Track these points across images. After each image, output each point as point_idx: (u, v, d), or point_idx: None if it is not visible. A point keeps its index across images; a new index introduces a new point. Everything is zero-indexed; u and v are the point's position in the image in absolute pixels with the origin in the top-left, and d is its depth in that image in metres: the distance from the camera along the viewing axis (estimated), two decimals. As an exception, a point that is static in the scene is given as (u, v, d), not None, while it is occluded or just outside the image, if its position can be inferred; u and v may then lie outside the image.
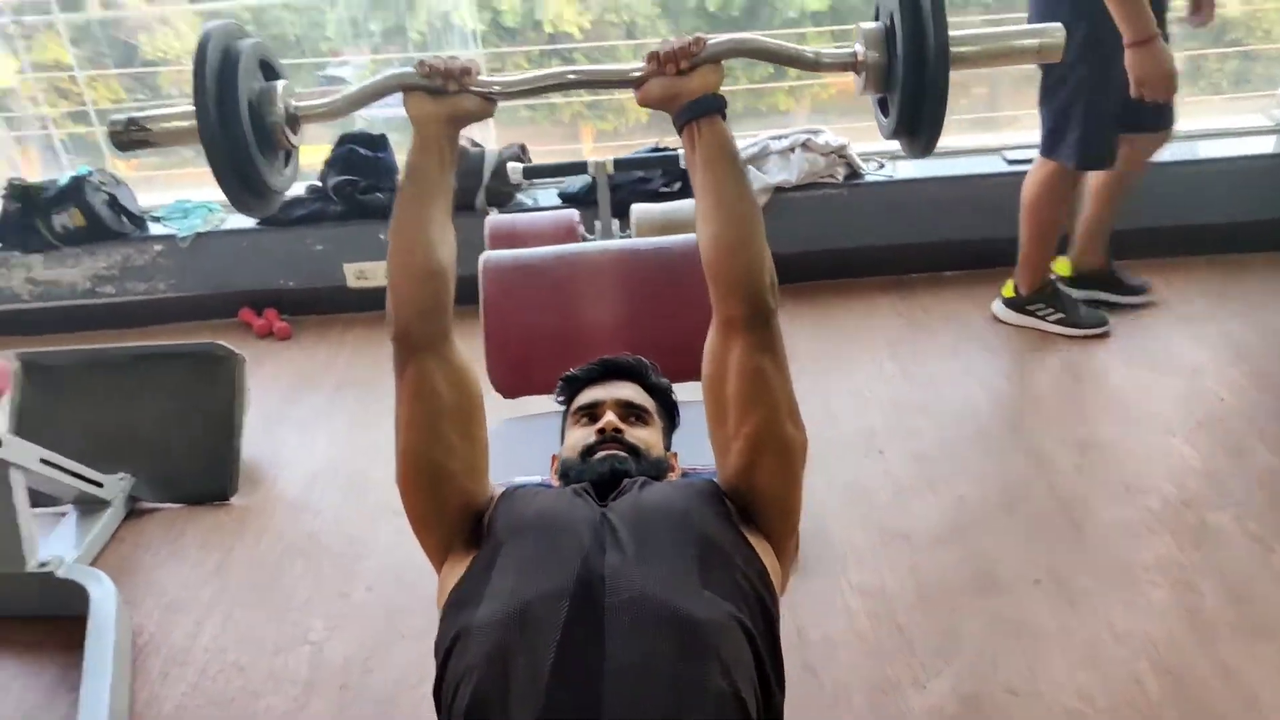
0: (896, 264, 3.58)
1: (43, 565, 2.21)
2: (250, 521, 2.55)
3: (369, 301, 3.47)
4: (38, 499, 2.51)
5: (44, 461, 2.27)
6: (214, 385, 2.68)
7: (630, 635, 1.00)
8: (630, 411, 1.46)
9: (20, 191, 3.37)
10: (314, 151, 3.51)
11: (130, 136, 1.32)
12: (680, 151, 2.39)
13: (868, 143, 3.62)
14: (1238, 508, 2.27)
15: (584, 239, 2.37)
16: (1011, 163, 3.52)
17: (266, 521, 2.54)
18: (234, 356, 2.68)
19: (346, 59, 3.95)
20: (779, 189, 3.43)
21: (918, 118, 1.24)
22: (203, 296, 3.52)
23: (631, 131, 4.15)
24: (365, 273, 3.49)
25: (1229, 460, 2.43)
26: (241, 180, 1.34)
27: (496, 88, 1.30)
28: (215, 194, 3.65)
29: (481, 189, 3.31)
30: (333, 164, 3.45)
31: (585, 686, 0.97)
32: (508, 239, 2.34)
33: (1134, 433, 2.59)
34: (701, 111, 1.27)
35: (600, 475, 1.33)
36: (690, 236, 1.99)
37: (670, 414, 1.59)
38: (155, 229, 3.52)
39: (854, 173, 3.52)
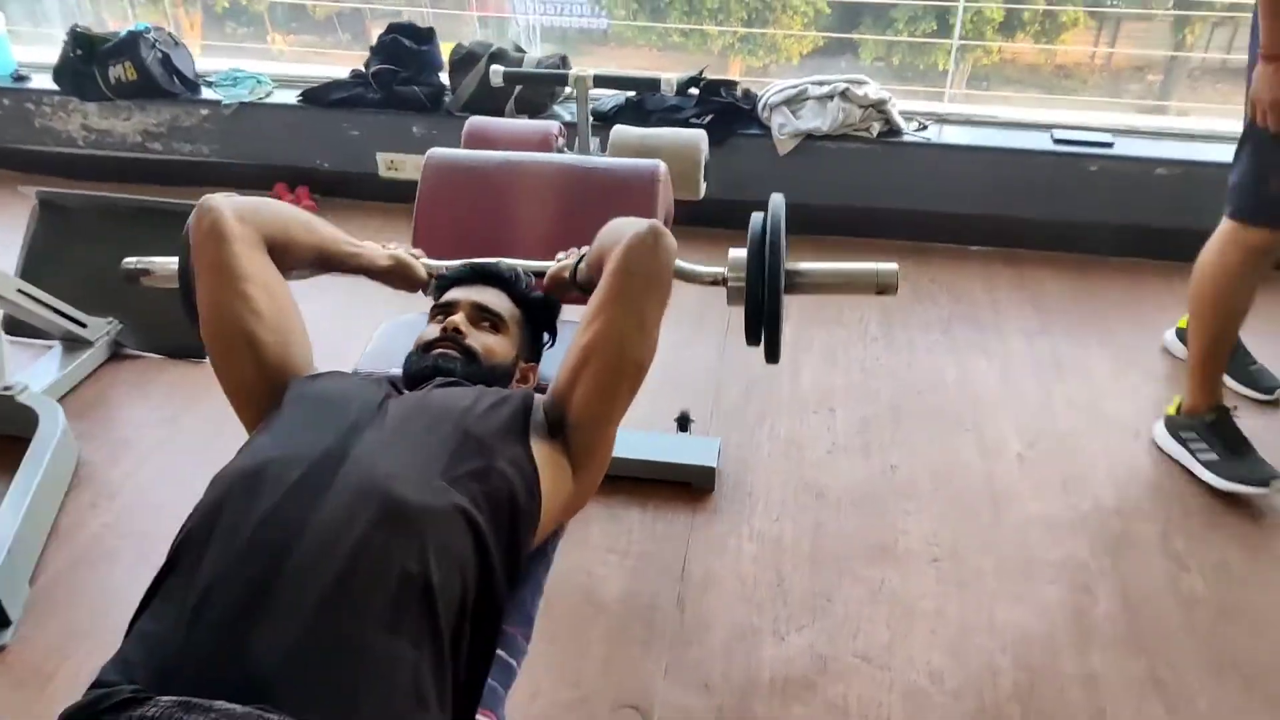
0: (918, 229, 3.47)
1: (6, 388, 2.39)
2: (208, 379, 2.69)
3: (397, 192, 3.54)
4: (30, 331, 2.70)
5: (21, 292, 2.42)
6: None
7: (340, 506, 1.03)
8: (484, 316, 1.48)
9: (83, 39, 3.54)
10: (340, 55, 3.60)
11: (130, 275, 1.62)
12: (664, 77, 2.39)
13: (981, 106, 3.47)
14: (1168, 524, 2.17)
15: (561, 153, 2.37)
16: (1058, 142, 3.34)
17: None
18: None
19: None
20: (810, 135, 3.35)
21: (755, 332, 1.46)
22: (243, 165, 3.66)
23: (782, 70, 4.06)
24: (396, 164, 3.57)
25: (1183, 476, 2.32)
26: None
27: (431, 267, 1.61)
28: (271, 66, 3.81)
29: (512, 97, 3.33)
30: (377, 51, 3.52)
31: (278, 544, 0.99)
32: (481, 140, 2.35)
33: (1096, 431, 2.49)
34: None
35: (422, 370, 1.37)
36: (639, 162, 2.01)
37: (539, 327, 1.61)
38: (206, 94, 3.66)
39: (891, 130, 3.41)
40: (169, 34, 3.62)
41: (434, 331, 1.44)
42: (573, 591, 2.03)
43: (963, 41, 3.75)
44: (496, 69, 2.39)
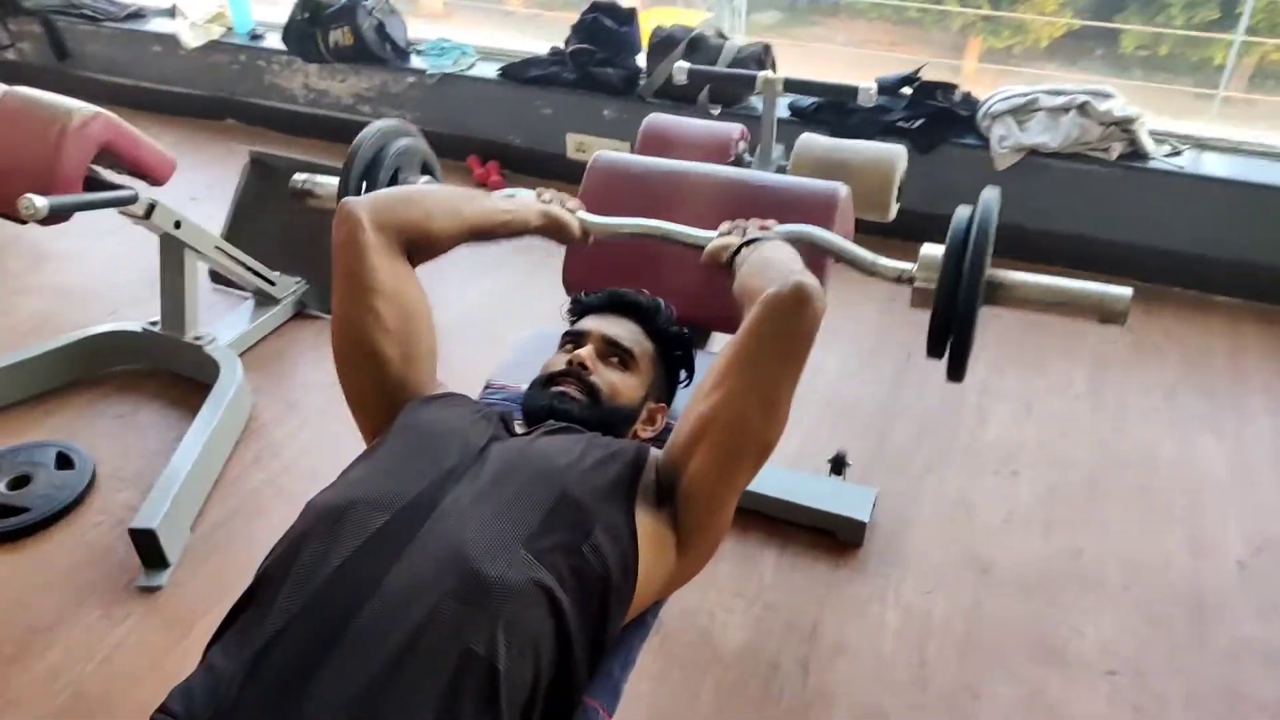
0: (1153, 270, 3.04)
1: (196, 338, 2.50)
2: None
3: (583, 174, 3.46)
4: (231, 282, 2.83)
5: (218, 249, 2.52)
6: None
7: (417, 569, 0.96)
8: (613, 351, 1.37)
9: (310, 2, 3.66)
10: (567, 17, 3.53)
11: (296, 192, 1.74)
12: (863, 85, 2.16)
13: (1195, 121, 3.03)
14: None
15: (741, 159, 2.20)
16: (1344, 183, 2.84)
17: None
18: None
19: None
20: (1034, 151, 3.00)
21: (940, 342, 1.29)
22: (441, 135, 3.64)
23: (1027, 54, 3.70)
24: (584, 145, 3.50)
25: None
26: None
27: (590, 223, 1.55)
28: (479, 38, 3.82)
29: (706, 87, 3.17)
30: (577, 30, 3.45)
31: (348, 601, 0.94)
32: (658, 140, 2.21)
33: (1344, 545, 2.08)
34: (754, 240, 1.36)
35: (538, 409, 1.29)
36: (817, 184, 1.81)
37: (673, 364, 1.48)
38: (415, 62, 3.71)
39: (1135, 152, 3.00)
40: (387, 2, 3.68)
41: (560, 363, 1.36)
42: (692, 632, 1.89)
43: (1249, 38, 3.19)
44: (681, 65, 2.24)
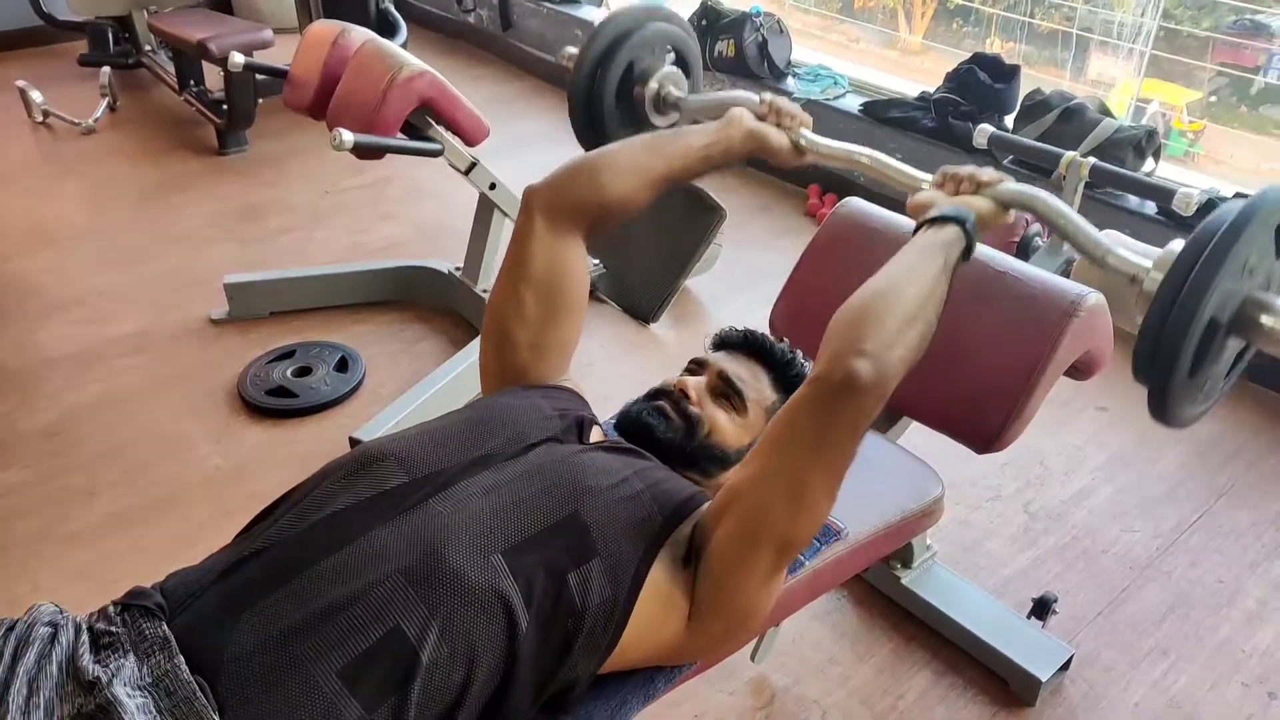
0: None
1: (484, 290, 2.74)
2: (647, 340, 2.79)
3: (918, 227, 3.30)
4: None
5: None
6: (691, 225, 2.89)
7: (393, 537, 1.00)
8: (726, 389, 1.31)
9: (710, 11, 3.82)
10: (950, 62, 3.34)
11: (563, 65, 1.80)
12: (1184, 189, 1.81)
13: None
14: None
15: (1028, 242, 1.97)
16: None
17: (655, 351, 2.76)
18: (717, 210, 2.83)
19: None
20: None
21: (1145, 362, 1.03)
22: (794, 158, 3.69)
23: None
24: (927, 196, 3.31)
25: None
26: (588, 123, 1.76)
27: (803, 141, 1.46)
28: (858, 73, 3.75)
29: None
30: (950, 78, 3.26)
31: (322, 545, 0.99)
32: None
33: None
34: (947, 216, 1.17)
35: (630, 419, 1.28)
36: (1065, 284, 1.57)
37: None
38: (789, 84, 3.73)
39: None
40: (777, 21, 3.74)
41: (669, 385, 1.32)
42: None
43: None
44: (984, 129, 2.05)
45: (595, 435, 1.25)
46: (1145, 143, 2.79)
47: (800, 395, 1.04)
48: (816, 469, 1.03)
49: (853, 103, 3.53)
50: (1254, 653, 1.93)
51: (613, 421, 1.39)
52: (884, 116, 3.37)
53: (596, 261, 3.01)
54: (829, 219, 1.83)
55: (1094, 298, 1.55)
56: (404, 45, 3.51)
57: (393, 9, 3.98)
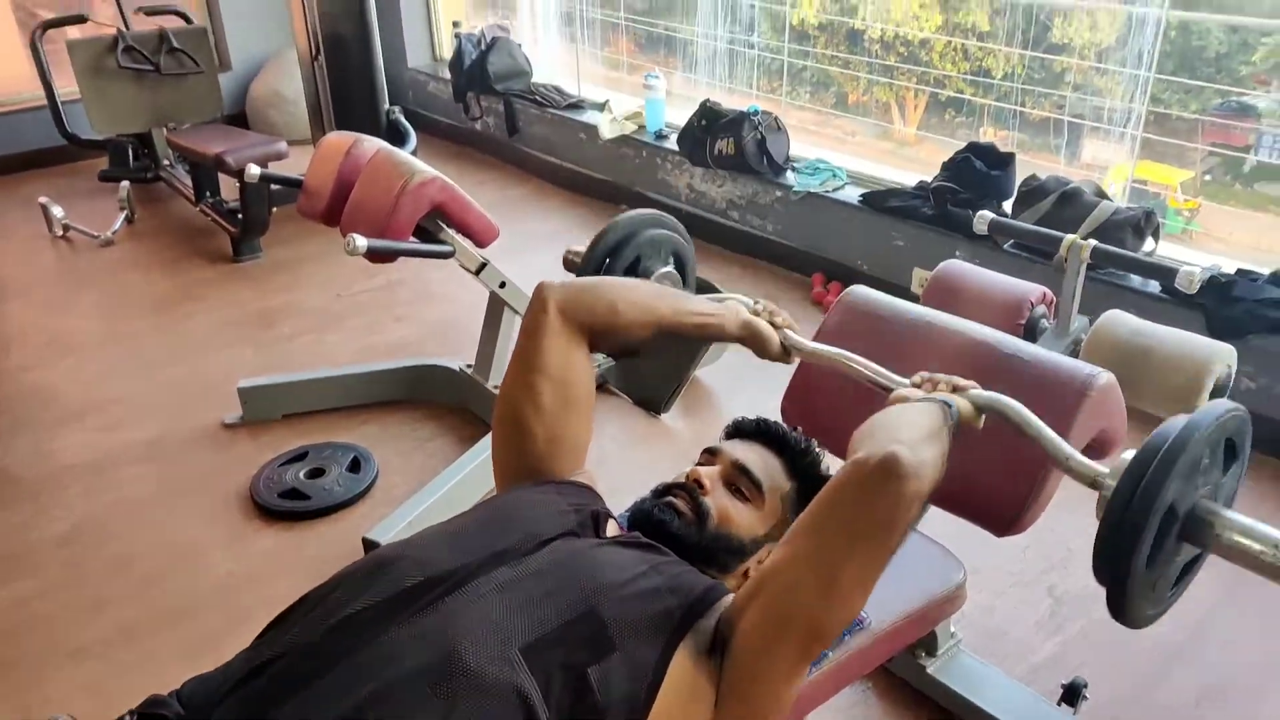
0: None
1: (495, 387, 2.75)
2: (659, 432, 2.79)
3: (927, 313, 3.33)
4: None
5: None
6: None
7: (410, 637, 0.99)
8: (740, 478, 1.31)
9: (709, 113, 3.93)
10: (945, 151, 3.42)
11: (566, 261, 1.99)
12: (1186, 267, 1.84)
13: None
14: None
15: (1035, 325, 1.98)
16: None
17: (667, 442, 2.76)
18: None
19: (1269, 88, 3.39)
20: None
21: (1102, 566, 1.13)
22: (795, 250, 3.75)
23: None
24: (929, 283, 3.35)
25: None
26: None
27: (789, 343, 1.53)
28: (856, 165, 3.84)
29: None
30: (946, 167, 3.33)
31: (339, 649, 0.99)
32: (946, 287, 2.08)
33: None
34: (932, 400, 1.22)
35: (643, 514, 1.28)
36: (1074, 365, 1.58)
37: None
38: (788, 178, 3.82)
39: None
40: (774, 119, 3.84)
41: (680, 476, 1.32)
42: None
43: None
44: (984, 215, 2.08)
45: (612, 529, 1.25)
46: (1144, 223, 2.84)
47: (837, 478, 1.05)
48: (852, 557, 1.01)
49: (852, 194, 3.60)
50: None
51: (626, 515, 1.38)
52: (884, 206, 3.43)
53: (605, 355, 3.03)
54: (836, 306, 1.85)
55: (1105, 377, 1.56)
56: (414, 153, 3.63)
57: (403, 119, 4.11)
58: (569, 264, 1.92)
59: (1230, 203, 3.62)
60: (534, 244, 3.93)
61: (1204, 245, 3.40)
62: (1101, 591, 2.23)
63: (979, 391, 1.28)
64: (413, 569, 1.06)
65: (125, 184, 4.36)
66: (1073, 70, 3.51)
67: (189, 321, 3.53)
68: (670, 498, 1.28)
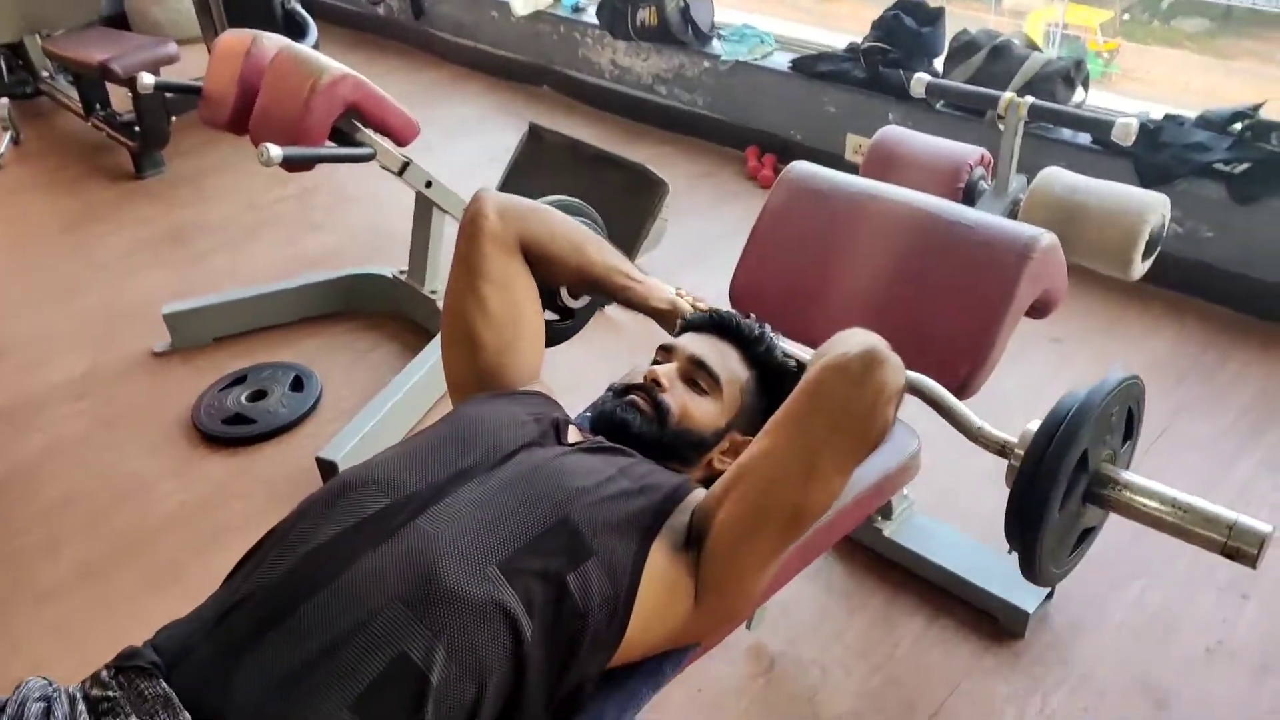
0: None
1: (432, 292, 2.70)
2: (605, 326, 2.77)
3: (859, 178, 3.32)
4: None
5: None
6: (635, 202, 2.86)
7: (384, 563, 0.98)
8: (697, 372, 1.31)
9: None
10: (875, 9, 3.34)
11: None
12: (1122, 119, 1.83)
13: None
14: None
15: (973, 188, 1.98)
16: None
17: (615, 336, 2.74)
18: (660, 185, 2.80)
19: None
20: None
21: (1013, 532, 1.19)
22: (726, 123, 3.68)
23: None
24: (863, 149, 3.31)
25: None
26: None
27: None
28: (784, 28, 3.73)
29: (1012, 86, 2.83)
30: (876, 27, 3.26)
31: (311, 581, 0.97)
32: (885, 157, 2.06)
33: None
34: None
35: (605, 416, 1.28)
36: (1015, 227, 1.59)
37: (774, 398, 1.38)
38: (714, 46, 3.70)
39: None
40: (696, -14, 3.71)
41: (638, 375, 1.32)
42: (797, 683, 1.77)
43: None
44: (920, 78, 2.06)
45: (573, 435, 1.24)
46: (1074, 72, 2.83)
47: (817, 376, 1.06)
48: (832, 443, 1.04)
49: (781, 60, 3.52)
50: (1222, 560, 1.97)
51: (588, 416, 1.38)
52: (815, 71, 3.37)
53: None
54: (777, 185, 1.82)
55: (1047, 239, 1.57)
56: (315, 46, 3.43)
57: (299, 8, 3.87)
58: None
59: (1148, 41, 3.62)
60: (455, 135, 3.79)
61: (1124, 88, 3.42)
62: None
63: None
64: (376, 493, 1.05)
65: (4, 101, 4.06)
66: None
67: (98, 245, 3.35)
68: (631, 397, 1.28)
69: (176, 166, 3.83)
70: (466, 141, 3.53)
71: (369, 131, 2.28)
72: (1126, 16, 3.59)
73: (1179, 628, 1.85)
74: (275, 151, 1.93)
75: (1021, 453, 1.18)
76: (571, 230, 1.40)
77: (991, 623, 1.86)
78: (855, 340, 1.07)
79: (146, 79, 2.37)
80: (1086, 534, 1.34)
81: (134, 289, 3.04)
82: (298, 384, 2.52)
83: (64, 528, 2.16)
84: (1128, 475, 1.20)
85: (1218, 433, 2.31)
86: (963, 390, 1.57)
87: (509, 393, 1.30)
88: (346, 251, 3.19)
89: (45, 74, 4.19)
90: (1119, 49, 3.52)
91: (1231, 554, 1.12)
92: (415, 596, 0.94)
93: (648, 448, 1.22)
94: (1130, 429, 1.29)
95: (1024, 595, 1.85)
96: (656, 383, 1.28)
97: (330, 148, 2.16)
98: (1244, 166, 2.55)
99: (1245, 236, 2.55)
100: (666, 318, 1.45)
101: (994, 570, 1.91)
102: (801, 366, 1.43)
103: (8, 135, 4.04)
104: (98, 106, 3.87)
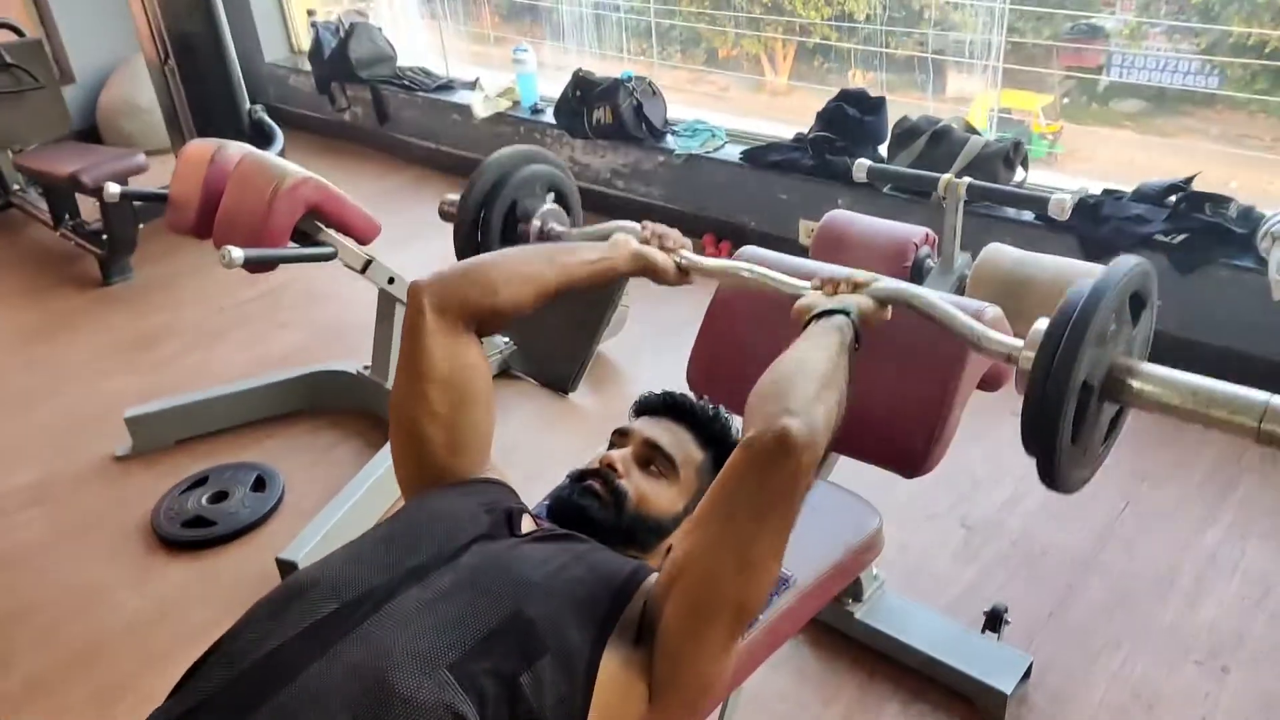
0: None
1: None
2: (569, 412, 2.78)
3: (818, 263, 3.39)
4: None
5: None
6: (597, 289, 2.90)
7: (334, 670, 0.95)
8: (653, 456, 1.30)
9: (583, 82, 3.89)
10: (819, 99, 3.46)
11: (443, 213, 1.91)
12: (1057, 195, 1.90)
13: None
14: None
15: (921, 266, 2.03)
16: None
17: (579, 422, 2.75)
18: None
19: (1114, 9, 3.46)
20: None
21: (1031, 435, 1.13)
22: (682, 213, 3.75)
23: None
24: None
25: None
26: None
27: (685, 262, 1.50)
28: (734, 122, 3.85)
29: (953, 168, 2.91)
30: (821, 116, 3.37)
31: (266, 685, 0.95)
32: (833, 238, 2.10)
33: None
34: (833, 310, 1.25)
35: (563, 503, 1.26)
36: (960, 302, 1.61)
37: None
38: (669, 141, 3.81)
39: None
40: (648, 84, 3.83)
41: (595, 461, 1.30)
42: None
43: None
44: (861, 163, 2.12)
45: (528, 525, 1.22)
46: (1013, 153, 2.93)
47: (735, 460, 1.04)
48: (761, 532, 1.02)
49: (733, 151, 3.61)
50: (1201, 630, 1.98)
51: (547, 504, 1.37)
52: (765, 161, 3.46)
53: (506, 339, 2.99)
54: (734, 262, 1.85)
55: (991, 311, 1.60)
56: (281, 152, 3.50)
57: (266, 117, 3.95)
58: (445, 214, 1.87)
59: (1089, 122, 3.75)
60: (420, 232, 3.81)
61: (1069, 167, 3.53)
62: (1010, 516, 2.34)
63: (882, 284, 1.30)
64: (326, 596, 1.02)
65: (-27, 214, 4.10)
66: (931, 7, 3.58)
67: (62, 353, 3.34)
68: (588, 483, 1.27)
69: (144, 273, 3.85)
70: (433, 238, 3.55)
71: (331, 232, 2.31)
72: (1066, 100, 3.73)
73: (1162, 702, 1.83)
74: (236, 253, 1.95)
75: (1031, 354, 1.12)
76: (518, 263, 1.37)
77: (969, 707, 1.83)
78: (769, 412, 1.04)
79: (112, 188, 2.41)
80: (1112, 428, 1.26)
81: (98, 395, 3.02)
82: (260, 484, 2.49)
83: (16, 640, 2.10)
84: (1144, 367, 1.14)
85: (1184, 500, 2.33)
86: (918, 467, 1.57)
87: (461, 483, 1.29)
88: (313, 348, 3.19)
89: (16, 187, 4.23)
90: (1061, 130, 3.65)
91: (1268, 439, 1.03)
92: (364, 704, 0.91)
93: (606, 534, 1.21)
94: (1136, 316, 1.20)
95: (1002, 676, 1.82)
96: (613, 468, 1.27)
97: (293, 248, 2.18)
98: (1181, 237, 2.62)
99: (1189, 303, 2.61)
100: (644, 274, 1.47)
101: (970, 650, 1.89)
102: None
103: (-25, 248, 4.05)
104: (67, 217, 3.89)
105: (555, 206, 1.91)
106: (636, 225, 1.52)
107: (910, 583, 2.11)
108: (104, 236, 3.68)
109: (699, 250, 3.57)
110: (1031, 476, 1.17)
